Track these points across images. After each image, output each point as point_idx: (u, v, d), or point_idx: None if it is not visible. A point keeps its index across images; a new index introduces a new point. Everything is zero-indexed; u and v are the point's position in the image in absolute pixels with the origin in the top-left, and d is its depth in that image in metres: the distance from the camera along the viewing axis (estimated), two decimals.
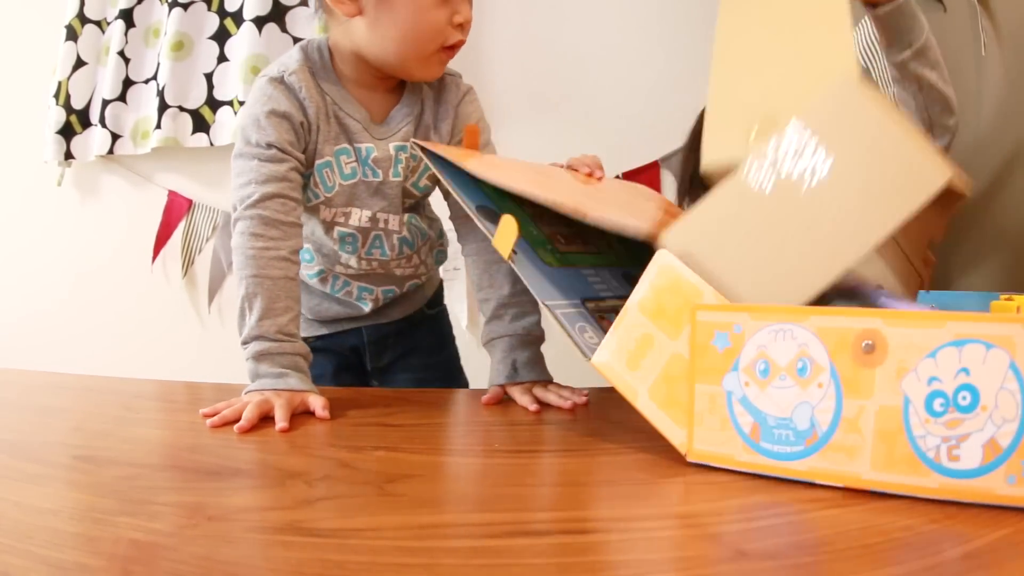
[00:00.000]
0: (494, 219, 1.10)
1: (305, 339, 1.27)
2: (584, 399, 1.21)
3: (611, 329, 0.90)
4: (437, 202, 1.46)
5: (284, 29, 2.54)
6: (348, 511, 0.68)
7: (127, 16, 2.58)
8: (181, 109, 2.56)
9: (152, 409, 1.22)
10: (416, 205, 1.46)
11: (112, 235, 2.71)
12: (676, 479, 0.79)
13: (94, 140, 2.60)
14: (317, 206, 1.35)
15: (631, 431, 0.95)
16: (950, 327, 0.68)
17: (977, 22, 1.38)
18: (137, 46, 2.62)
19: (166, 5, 2.58)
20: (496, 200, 1.17)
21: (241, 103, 2.49)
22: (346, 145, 1.32)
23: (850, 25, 0.97)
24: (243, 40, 2.52)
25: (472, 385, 1.66)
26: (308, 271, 1.46)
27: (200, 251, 2.66)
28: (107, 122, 2.57)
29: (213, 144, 2.57)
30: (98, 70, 2.63)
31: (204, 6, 2.58)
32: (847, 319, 0.73)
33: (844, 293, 0.99)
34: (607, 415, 1.13)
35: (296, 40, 2.53)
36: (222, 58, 2.58)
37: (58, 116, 2.57)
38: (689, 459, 0.82)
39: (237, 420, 1.01)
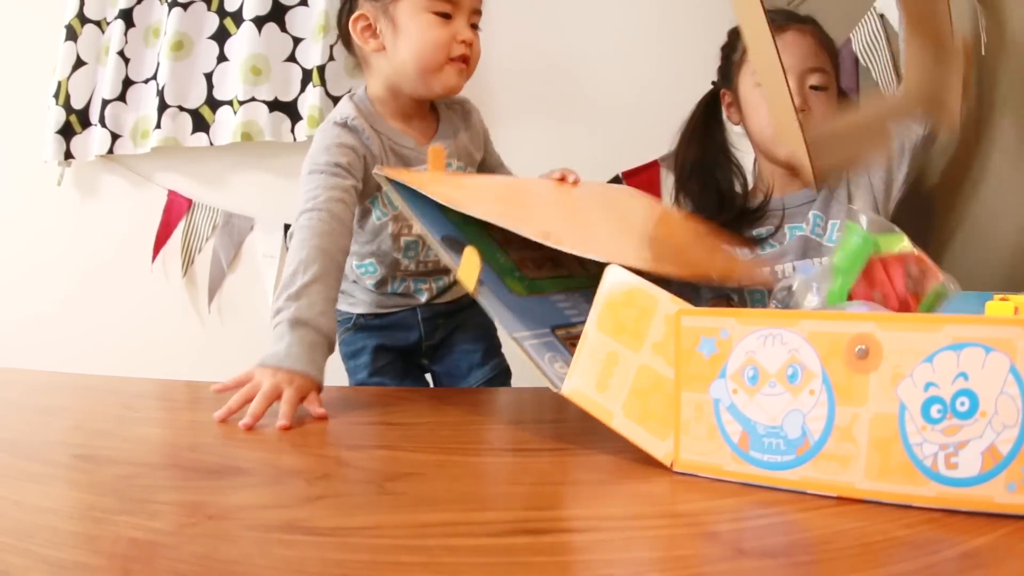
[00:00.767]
0: (460, 250, 1.10)
1: (362, 315, 1.72)
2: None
3: (575, 356, 0.88)
4: None
5: (284, 29, 2.53)
6: (348, 510, 0.68)
7: (127, 16, 2.57)
8: (181, 109, 2.55)
9: (152, 408, 1.23)
10: None
11: (112, 235, 2.71)
12: (674, 478, 0.79)
13: (94, 140, 2.59)
14: (386, 223, 1.56)
15: None
16: (947, 330, 0.66)
17: (977, 21, 1.38)
18: (137, 46, 2.61)
19: (166, 5, 2.57)
20: (462, 227, 1.15)
21: (241, 103, 2.49)
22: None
23: None
24: (243, 40, 2.52)
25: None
26: (370, 281, 1.67)
27: (200, 250, 2.65)
28: (107, 122, 2.56)
29: (213, 144, 2.57)
30: (98, 70, 2.63)
31: (204, 6, 2.58)
32: (839, 323, 0.71)
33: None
34: None
35: (296, 40, 2.53)
36: (222, 58, 2.58)
37: (58, 116, 2.56)
38: (675, 469, 0.80)
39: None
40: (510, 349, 1.68)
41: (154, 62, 2.59)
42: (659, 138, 1.80)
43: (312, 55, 2.51)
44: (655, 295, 0.82)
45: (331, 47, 2.50)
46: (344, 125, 1.49)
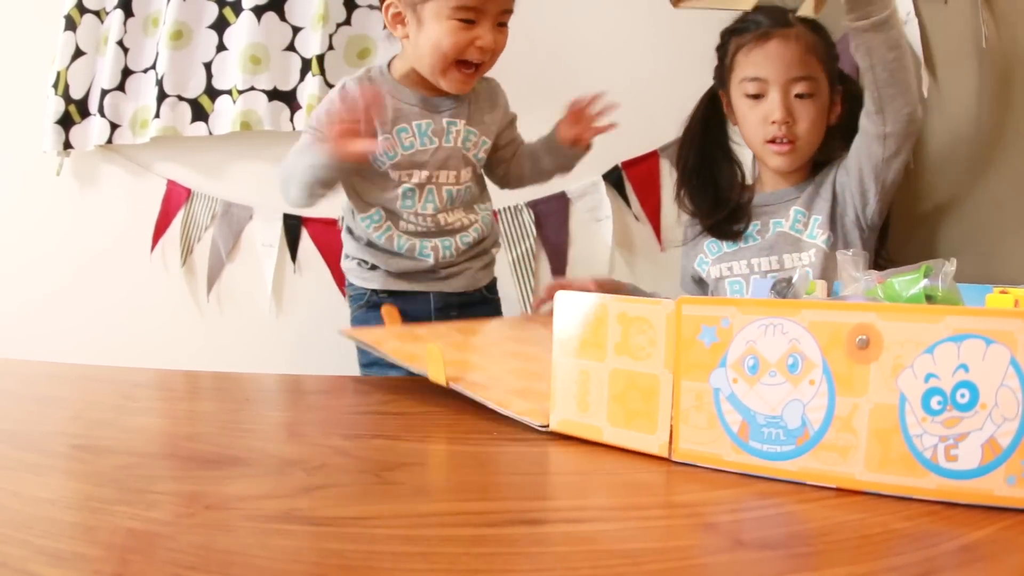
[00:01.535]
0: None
1: (376, 291, 1.81)
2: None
3: (551, 391, 0.91)
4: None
5: (283, 18, 2.53)
6: (346, 499, 0.68)
7: (126, 5, 2.57)
8: (180, 98, 2.55)
9: (151, 398, 1.22)
10: (467, 164, 1.78)
11: (111, 224, 2.71)
12: (673, 469, 0.79)
13: (93, 130, 2.60)
14: (387, 170, 1.70)
15: None
16: (948, 322, 0.66)
17: (978, 14, 1.37)
18: (136, 35, 2.61)
19: None
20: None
21: (240, 92, 2.49)
22: (404, 124, 1.69)
23: None
24: (242, 29, 2.52)
25: None
26: (376, 232, 1.76)
27: (199, 240, 2.66)
28: (106, 112, 2.56)
29: (212, 133, 2.57)
30: (97, 60, 2.63)
31: None
32: (840, 313, 0.70)
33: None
34: None
35: (295, 29, 2.53)
36: (221, 47, 2.58)
37: (57, 106, 2.56)
38: (673, 459, 0.80)
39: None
40: None
41: (153, 52, 2.59)
42: (659, 128, 1.81)
43: (311, 44, 2.51)
44: (603, 301, 0.87)
45: (330, 36, 2.50)
46: (343, 87, 1.70)
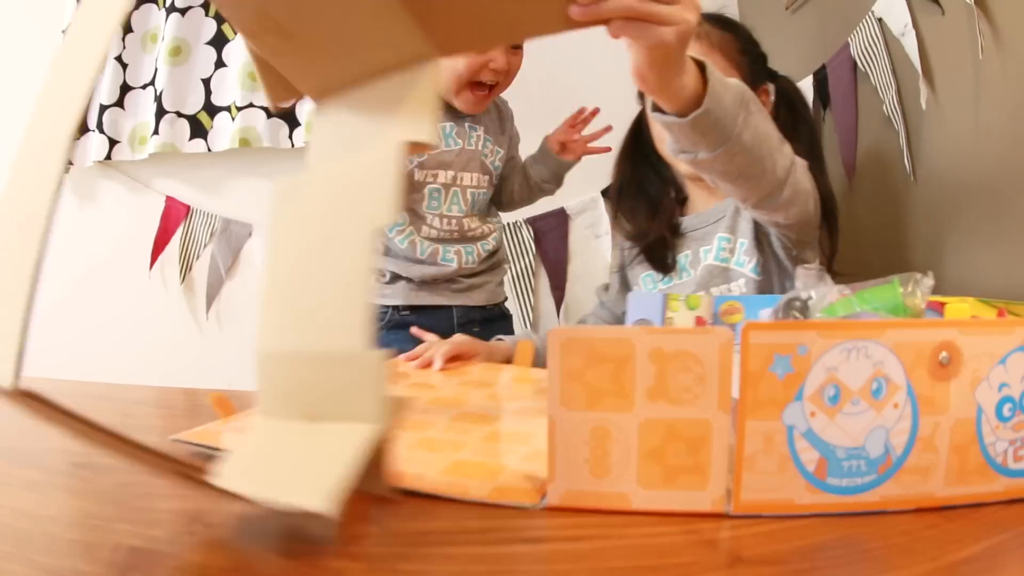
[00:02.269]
0: None
1: (398, 308, 1.80)
2: None
3: (549, 458, 0.70)
4: None
5: None
6: (346, 517, 0.68)
7: (124, 21, 2.57)
8: (179, 115, 2.56)
9: (150, 416, 1.22)
10: (485, 171, 1.84)
11: (110, 240, 2.71)
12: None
13: (92, 145, 2.60)
14: (412, 170, 1.75)
15: None
16: (1019, 332, 0.67)
17: (975, 25, 1.38)
18: (135, 51, 2.62)
19: (164, 10, 2.58)
20: None
21: (239, 108, 2.50)
22: None
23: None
24: (241, 46, 2.53)
25: None
26: (399, 236, 1.78)
27: (198, 257, 2.66)
28: (105, 127, 2.57)
29: (211, 150, 2.58)
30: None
31: (202, 11, 2.59)
32: (925, 331, 0.67)
33: None
34: None
35: None
36: (220, 64, 2.59)
37: None
38: (733, 513, 0.68)
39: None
40: None
41: (152, 68, 2.60)
42: None
43: None
44: (627, 336, 0.68)
45: None
46: None
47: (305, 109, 2.52)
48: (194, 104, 2.58)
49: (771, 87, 1.59)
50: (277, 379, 0.70)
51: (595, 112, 1.80)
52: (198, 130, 2.58)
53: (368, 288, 0.64)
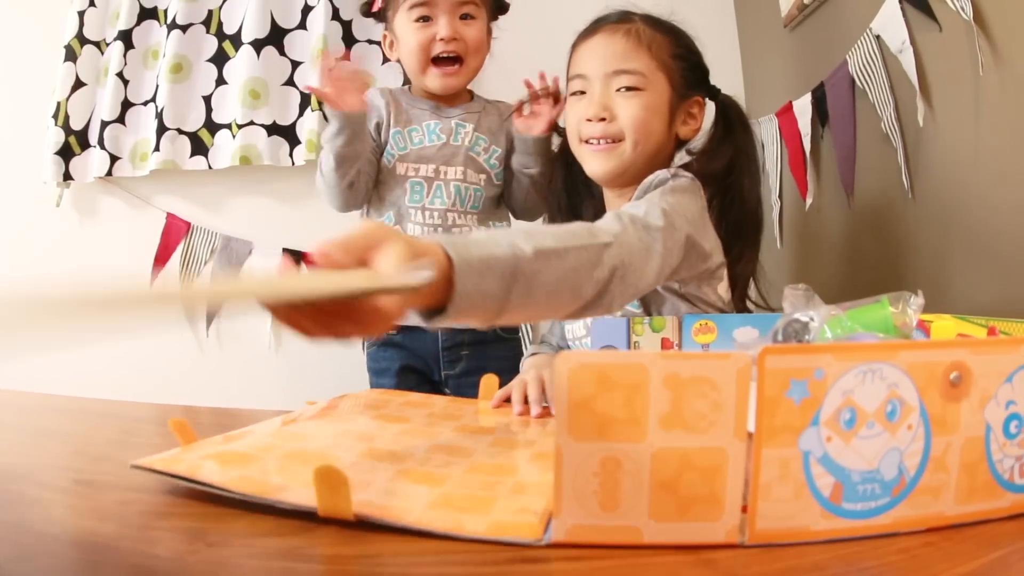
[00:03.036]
0: None
1: None
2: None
3: (555, 490, 0.66)
4: None
5: (282, 52, 2.55)
6: (347, 538, 0.68)
7: (126, 37, 2.59)
8: (179, 132, 2.57)
9: (151, 433, 1.22)
10: (480, 170, 1.85)
11: (111, 257, 2.71)
12: None
13: (93, 161, 2.60)
14: (395, 164, 1.81)
15: None
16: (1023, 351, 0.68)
17: (974, 41, 1.38)
18: (136, 68, 2.63)
19: (165, 27, 2.59)
20: None
21: (240, 126, 2.50)
22: (415, 125, 1.83)
23: None
24: (241, 63, 2.54)
25: None
26: None
27: (198, 274, 2.66)
28: (106, 144, 2.57)
29: (211, 167, 2.58)
30: (97, 91, 2.64)
31: (203, 28, 2.60)
32: (937, 352, 0.67)
33: None
34: None
35: (295, 63, 2.55)
36: (221, 81, 2.59)
37: (57, 137, 2.58)
38: (748, 543, 0.66)
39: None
40: None
41: (153, 84, 2.61)
42: None
43: (311, 79, 2.52)
44: (640, 361, 0.65)
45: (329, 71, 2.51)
46: (367, 96, 1.81)
47: (305, 127, 2.53)
48: (195, 121, 2.59)
49: (705, 100, 1.58)
50: None
51: (555, 80, 1.78)
52: (199, 147, 2.58)
53: None
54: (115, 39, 2.60)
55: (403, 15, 1.77)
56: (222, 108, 2.58)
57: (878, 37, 1.69)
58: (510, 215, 1.96)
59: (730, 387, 0.64)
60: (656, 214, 1.21)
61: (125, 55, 2.59)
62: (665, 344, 1.27)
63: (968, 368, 0.67)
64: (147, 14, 2.64)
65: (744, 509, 0.65)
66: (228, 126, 2.56)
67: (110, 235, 2.71)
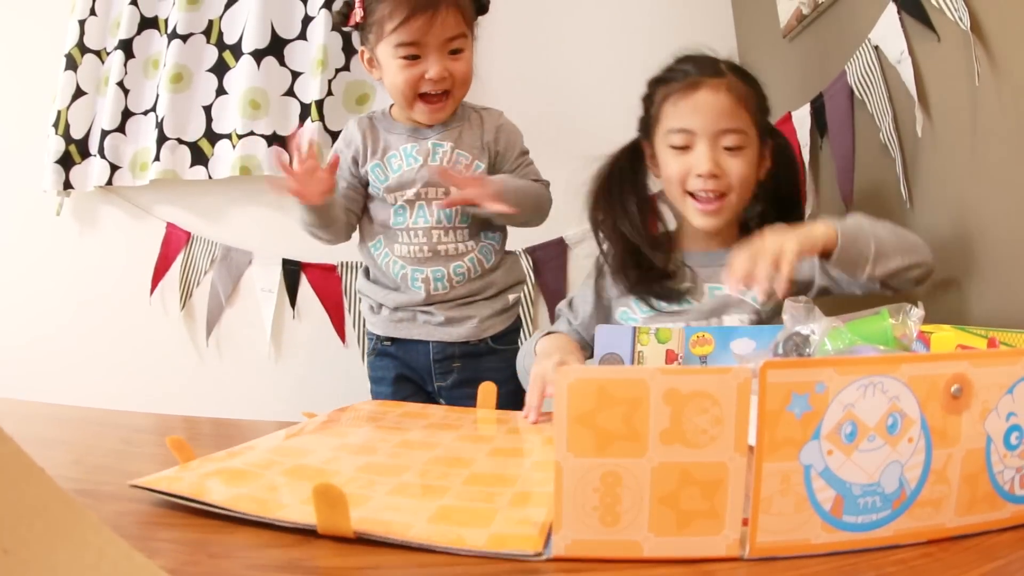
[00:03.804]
0: None
1: (378, 337, 1.87)
2: None
3: (555, 506, 0.66)
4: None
5: (282, 63, 2.55)
6: (348, 549, 0.68)
7: (126, 47, 2.59)
8: (180, 142, 2.57)
9: (151, 443, 1.22)
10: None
11: (110, 266, 2.71)
12: None
13: (93, 170, 2.60)
14: (384, 196, 1.80)
15: None
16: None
17: (971, 52, 1.39)
18: (136, 77, 2.63)
19: (165, 37, 2.59)
20: None
21: (240, 136, 2.51)
22: (393, 151, 1.80)
23: None
24: (241, 73, 2.54)
25: None
26: (379, 259, 1.83)
27: (198, 284, 2.66)
28: (106, 153, 2.57)
29: (211, 177, 2.58)
30: (97, 100, 2.64)
31: (203, 38, 2.60)
32: (938, 364, 0.67)
33: None
34: None
35: (295, 74, 2.55)
36: (221, 91, 2.59)
37: (57, 145, 2.58)
38: (748, 556, 0.66)
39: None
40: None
41: (153, 94, 2.61)
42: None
43: (311, 89, 2.53)
44: (641, 376, 0.65)
45: (329, 82, 2.52)
46: (347, 127, 1.89)
47: (306, 137, 2.53)
48: (195, 131, 2.59)
49: (771, 143, 1.64)
50: None
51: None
52: (199, 157, 2.58)
53: None
54: (116, 48, 2.60)
55: (387, 47, 1.71)
56: (222, 118, 2.58)
57: (877, 47, 1.70)
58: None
59: (731, 401, 0.64)
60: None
61: (126, 64, 2.59)
62: (670, 355, 1.28)
63: (969, 380, 0.67)
64: (148, 24, 2.64)
65: (744, 522, 0.65)
66: (228, 136, 2.56)
67: (110, 244, 2.71)
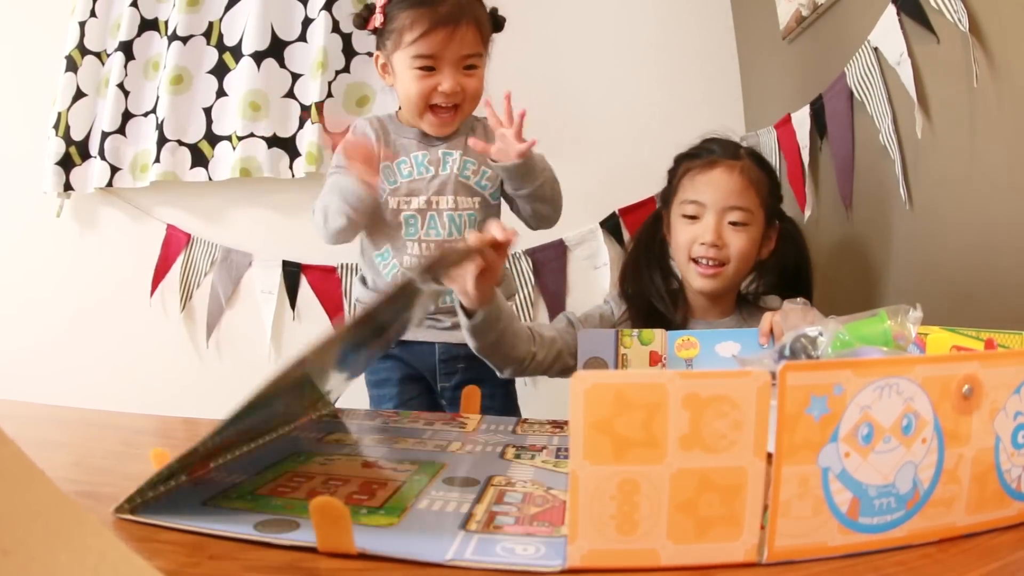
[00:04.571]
0: None
1: None
2: None
3: (571, 516, 0.64)
4: None
5: (283, 65, 2.55)
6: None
7: (127, 48, 2.60)
8: (180, 143, 2.57)
9: (151, 444, 1.22)
10: (472, 194, 1.82)
11: (110, 267, 2.71)
12: None
13: (93, 172, 2.61)
14: (387, 199, 1.78)
15: None
16: None
17: (970, 53, 1.39)
18: (136, 79, 2.63)
19: (165, 38, 2.59)
20: None
21: (240, 138, 2.51)
22: (403, 157, 1.80)
23: None
24: (241, 75, 2.54)
25: None
26: (385, 270, 1.82)
27: (198, 285, 2.66)
28: (106, 154, 2.58)
29: (212, 179, 2.59)
30: (98, 102, 2.64)
31: (203, 40, 2.60)
32: (950, 366, 0.68)
33: None
34: None
35: (295, 76, 2.55)
36: (221, 93, 2.60)
37: (57, 147, 2.58)
38: (766, 561, 0.65)
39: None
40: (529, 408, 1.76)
41: (153, 96, 2.62)
42: (655, 174, 1.81)
43: (311, 91, 2.53)
44: (660, 381, 0.63)
45: (329, 84, 2.52)
46: (355, 126, 1.88)
47: (305, 140, 2.53)
48: (195, 133, 2.59)
49: (778, 227, 1.74)
50: None
51: (522, 114, 1.71)
52: (199, 159, 2.59)
53: None
54: (116, 50, 2.61)
55: (404, 56, 1.74)
56: (222, 120, 2.59)
57: (876, 49, 1.70)
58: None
59: (750, 405, 0.63)
60: None
61: (126, 66, 2.59)
62: (653, 357, 1.29)
63: (979, 380, 0.68)
64: (148, 25, 2.65)
65: (760, 527, 0.65)
66: (228, 138, 2.56)
67: (110, 246, 2.71)
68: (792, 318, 1.04)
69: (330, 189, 1.76)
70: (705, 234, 1.64)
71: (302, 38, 2.57)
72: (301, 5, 2.59)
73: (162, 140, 2.53)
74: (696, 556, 0.64)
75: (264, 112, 2.54)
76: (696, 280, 1.67)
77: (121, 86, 2.59)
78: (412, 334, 1.81)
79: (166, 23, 2.62)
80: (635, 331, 1.32)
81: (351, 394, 1.72)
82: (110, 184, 2.60)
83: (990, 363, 0.68)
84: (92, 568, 0.46)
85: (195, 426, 1.34)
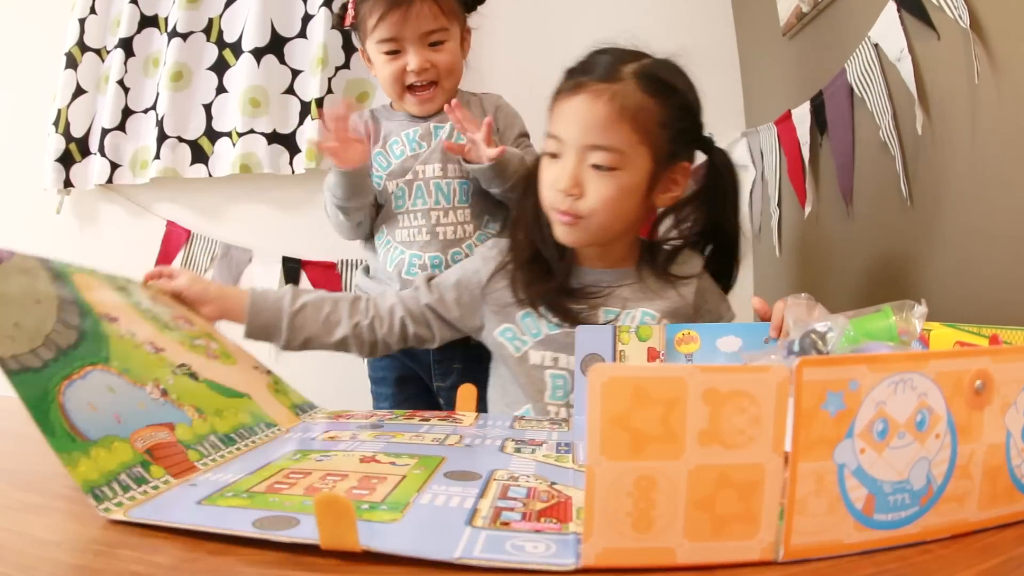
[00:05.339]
0: None
1: None
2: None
3: (586, 513, 0.62)
4: None
5: (283, 61, 2.55)
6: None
7: (127, 45, 2.60)
8: (180, 140, 2.57)
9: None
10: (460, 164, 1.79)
11: (111, 264, 2.67)
12: None
13: (93, 169, 2.61)
14: (384, 184, 1.83)
15: None
16: None
17: (971, 50, 1.39)
18: (136, 75, 2.63)
19: (165, 35, 2.59)
20: None
21: (240, 134, 2.51)
22: (395, 137, 1.84)
23: None
24: (242, 71, 2.54)
25: None
26: (382, 249, 1.84)
27: None
28: (106, 151, 2.58)
29: (212, 175, 2.59)
30: (97, 98, 2.64)
31: (203, 37, 2.60)
32: (963, 361, 0.68)
33: None
34: None
35: (295, 72, 2.55)
36: (221, 89, 2.59)
37: (57, 144, 2.58)
38: (782, 560, 0.64)
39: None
40: None
41: (153, 92, 2.61)
42: None
43: (311, 88, 2.53)
44: (680, 375, 0.62)
45: (329, 80, 2.52)
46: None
47: (305, 136, 2.53)
48: (195, 129, 2.59)
49: (692, 161, 1.52)
50: None
51: (488, 122, 1.69)
52: (199, 155, 2.59)
53: None
54: (116, 47, 2.61)
55: (372, 44, 1.80)
56: (222, 116, 2.59)
57: (876, 45, 1.69)
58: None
59: (769, 401, 0.62)
60: None
61: (126, 63, 2.59)
62: (652, 353, 1.28)
63: (991, 376, 0.68)
64: (148, 22, 2.65)
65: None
66: (228, 134, 2.56)
67: (110, 242, 2.71)
68: (797, 313, 1.03)
69: (325, 187, 1.78)
70: (560, 179, 1.38)
71: (302, 34, 2.57)
72: (301, 1, 2.59)
73: (162, 136, 2.53)
74: (712, 555, 0.63)
75: (264, 108, 2.54)
76: (556, 228, 1.44)
77: (121, 83, 2.59)
78: None
79: (166, 20, 2.62)
80: (632, 327, 1.31)
81: (351, 394, 1.72)
82: (110, 181, 2.60)
83: (1001, 358, 0.69)
84: None
85: None
